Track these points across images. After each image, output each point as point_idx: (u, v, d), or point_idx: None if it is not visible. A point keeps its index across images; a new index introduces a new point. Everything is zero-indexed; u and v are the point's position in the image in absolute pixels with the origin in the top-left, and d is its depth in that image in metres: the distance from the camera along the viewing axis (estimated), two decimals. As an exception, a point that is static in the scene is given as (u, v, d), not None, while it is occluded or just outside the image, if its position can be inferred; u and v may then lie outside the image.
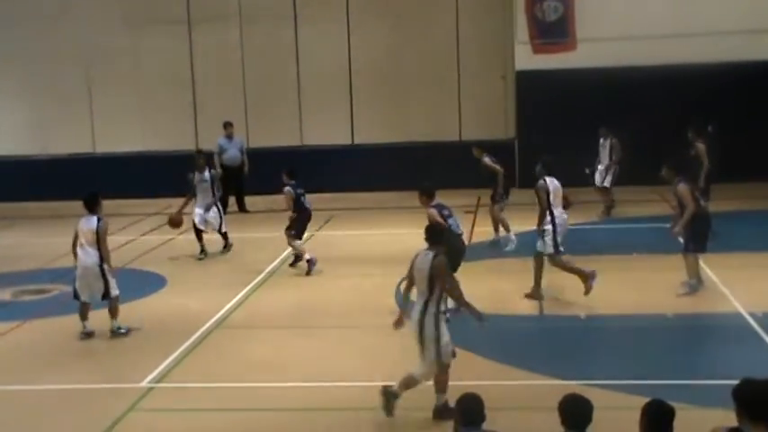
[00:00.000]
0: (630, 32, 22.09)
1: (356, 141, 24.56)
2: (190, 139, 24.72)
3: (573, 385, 9.14)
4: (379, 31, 24.25)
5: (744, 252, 15.43)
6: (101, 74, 25.03)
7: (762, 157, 21.71)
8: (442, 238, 9.43)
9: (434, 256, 9.08)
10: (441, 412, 9.11)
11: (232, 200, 21.79)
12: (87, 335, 12.32)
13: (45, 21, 24.89)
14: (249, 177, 21.95)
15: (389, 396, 9.18)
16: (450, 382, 9.26)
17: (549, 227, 13.22)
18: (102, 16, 24.87)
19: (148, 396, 10.31)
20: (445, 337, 9.15)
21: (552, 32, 22.86)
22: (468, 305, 9.35)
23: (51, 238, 18.43)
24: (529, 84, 23.01)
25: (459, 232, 12.51)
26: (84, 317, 12.32)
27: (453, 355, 9.28)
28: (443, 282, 9.06)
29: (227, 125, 22.04)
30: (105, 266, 12.14)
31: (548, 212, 13.22)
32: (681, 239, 13.33)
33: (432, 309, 9.05)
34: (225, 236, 17.24)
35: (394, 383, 9.27)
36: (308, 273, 15.32)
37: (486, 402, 6.37)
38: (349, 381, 10.56)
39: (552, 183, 13.55)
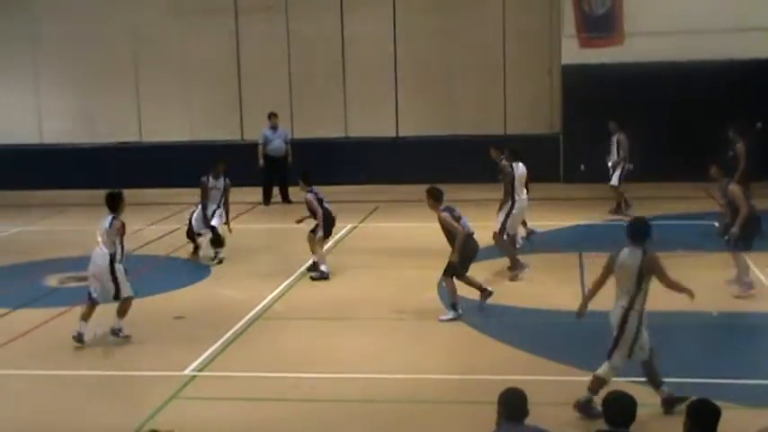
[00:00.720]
0: (678, 27, 21.82)
1: (401, 134, 24.54)
2: (235, 129, 24.87)
3: (617, 382, 9.08)
4: (425, 24, 24.18)
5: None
6: (148, 62, 25.23)
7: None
8: (646, 236, 9.26)
9: (644, 252, 8.99)
10: (582, 408, 9.01)
11: (275, 190, 21.88)
12: (79, 337, 11.66)
13: (93, 7, 25.08)
14: (293, 168, 22.01)
15: (585, 407, 8.98)
16: (486, 376, 9.21)
17: (506, 208, 14.42)
18: (150, 3, 25.04)
19: (191, 384, 10.39)
20: (643, 337, 9.09)
21: (599, 26, 22.69)
22: (688, 290, 9.34)
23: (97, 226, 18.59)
24: (575, 78, 22.85)
25: (471, 232, 12.49)
26: (85, 317, 11.77)
27: (650, 354, 9.18)
28: (663, 275, 9.09)
29: (272, 116, 22.12)
30: (116, 267, 11.75)
31: (510, 196, 14.46)
32: (726, 238, 13.12)
33: (637, 306, 9.01)
34: (213, 242, 16.24)
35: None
36: (314, 278, 14.75)
37: (529, 398, 6.35)
38: (392, 373, 10.59)
39: (518, 168, 14.67)
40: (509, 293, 13.68)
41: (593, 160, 21.82)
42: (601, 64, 22.51)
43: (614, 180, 19.01)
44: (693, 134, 21.26)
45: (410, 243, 17.17)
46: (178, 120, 25.06)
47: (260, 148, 21.91)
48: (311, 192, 14.67)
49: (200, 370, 10.80)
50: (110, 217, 11.86)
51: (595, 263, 14.19)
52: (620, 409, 5.93)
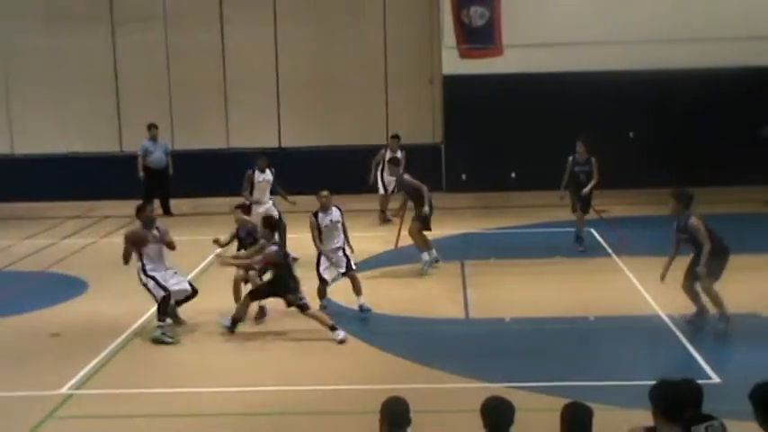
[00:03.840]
0: (554, 39, 22.32)
1: (283, 144, 24.43)
2: (114, 141, 24.34)
3: (496, 387, 9.20)
4: (307, 35, 24.13)
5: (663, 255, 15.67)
6: (19, 72, 24.43)
7: (677, 165, 22.13)
8: None
9: None
10: None
11: (156, 203, 21.50)
12: None
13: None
14: (174, 180, 21.73)
15: None
16: (374, 386, 9.23)
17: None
18: (23, 13, 24.31)
19: (68, 403, 10.12)
20: None
21: (479, 38, 23.01)
22: None
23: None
24: (456, 88, 23.13)
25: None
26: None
27: None
28: None
29: (152, 127, 21.77)
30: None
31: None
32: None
33: None
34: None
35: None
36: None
37: (411, 405, 6.36)
38: (272, 385, 10.55)
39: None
40: (392, 302, 13.74)
41: (475, 170, 22.19)
42: (481, 75, 22.84)
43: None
44: (573, 143, 21.71)
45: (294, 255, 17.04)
46: (53, 131, 24.36)
47: (140, 160, 21.53)
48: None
49: (77, 388, 10.53)
50: None
51: (479, 271, 14.50)
52: (498, 414, 5.97)
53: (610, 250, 16.33)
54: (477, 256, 16.35)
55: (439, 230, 16.84)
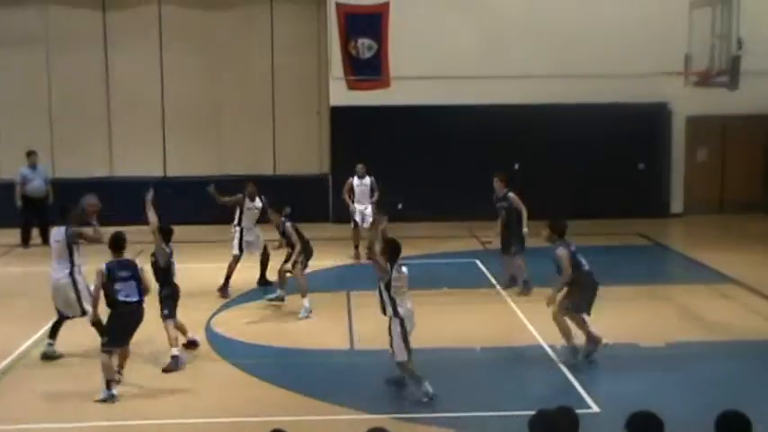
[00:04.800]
0: (442, 72, 22.67)
1: (168, 173, 24.11)
2: (-10, 167, 23.64)
3: (381, 419, 9.19)
4: (194, 63, 23.93)
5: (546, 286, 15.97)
6: None
7: (560, 197, 22.68)
8: None
9: None
10: None
11: (35, 232, 20.95)
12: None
13: None
14: (54, 209, 21.17)
15: None
16: (256, 418, 9.12)
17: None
18: None
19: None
20: None
21: (366, 70, 23.20)
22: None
23: None
24: (343, 119, 23.25)
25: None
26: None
27: None
28: None
29: (30, 154, 21.20)
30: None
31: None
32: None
33: None
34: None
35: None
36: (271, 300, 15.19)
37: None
38: (159, 418, 10.33)
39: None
40: (277, 333, 13.66)
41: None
42: (369, 106, 23.01)
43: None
44: (458, 174, 22.03)
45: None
46: None
47: (17, 188, 20.93)
48: (288, 221, 14.77)
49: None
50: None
51: (364, 302, 14.50)
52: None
53: (494, 281, 16.54)
54: (364, 287, 16.33)
55: (325, 261, 16.83)
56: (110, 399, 10.71)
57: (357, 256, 18.57)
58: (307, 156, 24.14)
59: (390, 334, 10.69)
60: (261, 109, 24.09)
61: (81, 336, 12.51)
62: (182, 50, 23.81)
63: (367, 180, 19.00)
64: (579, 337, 12.09)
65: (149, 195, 12.81)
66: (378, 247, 11.09)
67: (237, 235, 16.34)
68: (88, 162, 23.66)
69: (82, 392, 11.08)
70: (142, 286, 11.15)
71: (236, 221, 16.50)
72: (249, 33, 24.01)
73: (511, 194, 15.92)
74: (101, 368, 10.81)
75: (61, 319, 12.51)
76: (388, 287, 10.72)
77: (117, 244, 11.36)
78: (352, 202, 18.98)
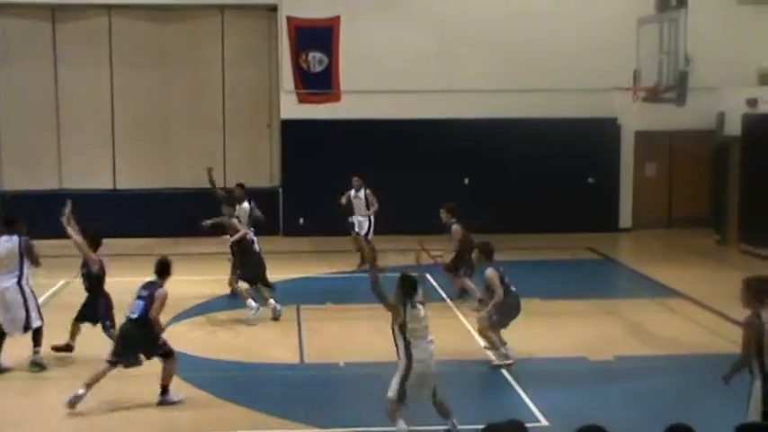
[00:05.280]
0: (392, 86, 22.81)
1: (118, 186, 23.90)
2: (-65, 179, 23.31)
3: None
4: (144, 75, 23.77)
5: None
6: None
7: (510, 211, 22.84)
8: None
9: None
10: None
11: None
12: None
13: None
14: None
15: None
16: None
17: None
18: None
19: None
20: None
21: (317, 83, 23.22)
22: None
23: None
24: (294, 133, 23.23)
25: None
26: None
27: None
28: None
29: (-21, 166, 20.97)
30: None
31: None
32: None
33: None
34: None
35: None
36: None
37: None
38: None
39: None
40: (228, 347, 13.57)
41: (312, 213, 22.26)
42: (319, 120, 23.03)
43: (369, 234, 19.06)
44: (409, 188, 22.09)
45: (126, 298, 16.60)
46: None
47: (-37, 200, 20.67)
48: None
49: None
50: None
51: (315, 316, 14.47)
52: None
53: (444, 295, 16.56)
54: (314, 301, 16.35)
55: (276, 274, 16.75)
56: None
57: (362, 262, 18.59)
58: (257, 169, 24.07)
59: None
60: (211, 122, 24.00)
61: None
62: (132, 63, 23.66)
63: (362, 193, 19.17)
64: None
65: (66, 209, 12.64)
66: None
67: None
68: (38, 175, 23.41)
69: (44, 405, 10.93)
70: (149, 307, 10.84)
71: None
72: (200, 46, 23.93)
73: (455, 227, 16.06)
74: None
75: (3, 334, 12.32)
76: (402, 329, 9.58)
77: (163, 269, 11.14)
78: (352, 213, 19.33)
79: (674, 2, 19.33)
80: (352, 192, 19.39)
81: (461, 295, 16.24)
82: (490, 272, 12.50)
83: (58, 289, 16.93)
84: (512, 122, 22.84)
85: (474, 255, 13.22)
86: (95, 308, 12.49)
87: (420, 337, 9.53)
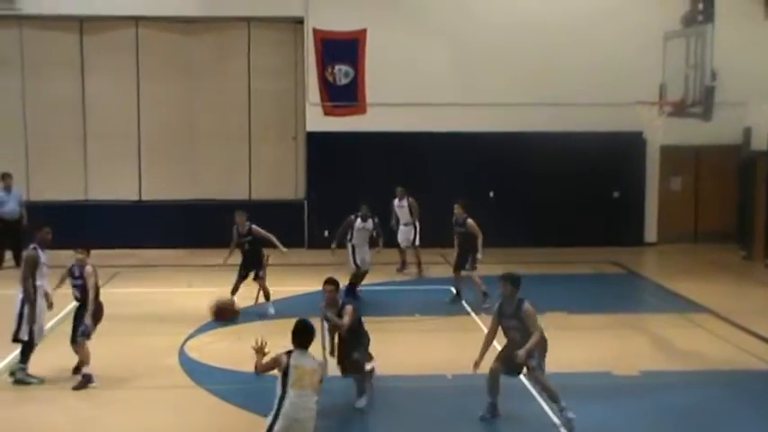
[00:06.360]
0: (417, 99, 22.86)
1: (144, 197, 24.03)
2: (-37, 190, 23.47)
3: None
4: (171, 87, 23.90)
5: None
6: None
7: (534, 225, 22.81)
8: None
9: None
10: None
11: (8, 254, 20.81)
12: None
13: None
14: (28, 232, 21.02)
15: None
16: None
17: None
18: None
19: None
20: None
21: (343, 96, 23.28)
22: None
23: None
24: (319, 145, 23.29)
25: None
26: None
27: None
28: None
29: (5, 176, 21.11)
30: None
31: None
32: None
33: None
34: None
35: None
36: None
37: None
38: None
39: None
40: (251, 358, 13.55)
41: (337, 226, 22.26)
42: (345, 132, 23.08)
43: (414, 242, 20.06)
44: (434, 201, 22.05)
45: (150, 309, 16.72)
46: None
47: (-8, 210, 20.82)
48: None
49: None
50: None
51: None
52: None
53: (469, 309, 16.54)
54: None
55: (301, 286, 16.78)
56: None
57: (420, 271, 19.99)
58: (282, 181, 24.15)
59: None
60: (237, 134, 24.09)
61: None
62: (158, 75, 23.80)
63: (405, 202, 20.18)
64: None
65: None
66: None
67: None
68: (63, 185, 23.57)
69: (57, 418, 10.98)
70: None
71: None
72: (226, 58, 24.04)
73: (469, 221, 16.86)
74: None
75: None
76: (284, 376, 8.69)
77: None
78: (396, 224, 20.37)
79: (700, 17, 19.24)
80: (396, 201, 20.18)
81: (485, 300, 16.30)
82: (529, 306, 10.66)
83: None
84: (537, 136, 22.82)
85: (507, 289, 10.72)
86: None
87: (300, 392, 8.61)
